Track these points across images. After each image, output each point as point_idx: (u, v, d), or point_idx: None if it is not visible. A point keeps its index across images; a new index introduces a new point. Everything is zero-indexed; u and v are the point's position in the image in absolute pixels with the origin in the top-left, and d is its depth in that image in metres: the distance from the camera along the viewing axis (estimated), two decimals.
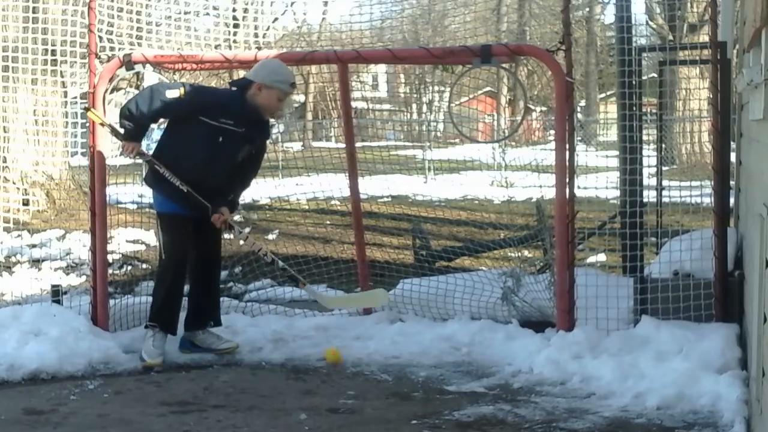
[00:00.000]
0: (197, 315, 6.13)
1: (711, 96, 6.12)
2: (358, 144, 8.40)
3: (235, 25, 7.60)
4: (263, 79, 5.82)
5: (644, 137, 6.93)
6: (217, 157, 5.80)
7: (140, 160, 6.10)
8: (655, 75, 8.17)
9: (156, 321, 5.95)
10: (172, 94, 5.79)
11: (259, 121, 5.94)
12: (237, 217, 5.54)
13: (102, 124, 6.05)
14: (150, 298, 6.92)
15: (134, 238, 10.67)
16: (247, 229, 5.54)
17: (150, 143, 6.79)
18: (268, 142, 6.22)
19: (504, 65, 6.75)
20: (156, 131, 8.92)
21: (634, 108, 6.42)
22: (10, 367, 5.58)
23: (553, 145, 6.26)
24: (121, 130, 5.89)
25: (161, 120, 6.19)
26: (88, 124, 6.35)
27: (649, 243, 7.64)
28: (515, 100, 34.60)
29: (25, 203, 9.34)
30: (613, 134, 19.33)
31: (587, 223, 9.12)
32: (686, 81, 12.38)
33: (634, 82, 6.44)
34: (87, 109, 6.10)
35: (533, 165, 7.65)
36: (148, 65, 6.51)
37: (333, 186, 7.97)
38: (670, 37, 12.54)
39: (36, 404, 5.07)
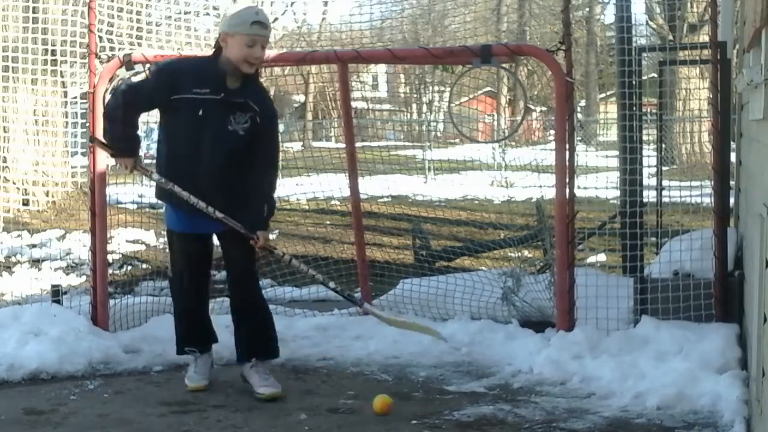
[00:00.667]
0: (237, 346, 5.33)
1: (711, 96, 6.12)
2: (358, 144, 8.40)
3: None
4: (224, 28, 4.99)
5: (644, 137, 6.93)
6: (202, 135, 4.91)
7: (150, 179, 5.23)
8: (655, 75, 8.16)
9: (183, 347, 5.46)
10: (138, 78, 5.49)
11: (246, 83, 4.99)
12: (272, 236, 4.80)
13: (104, 147, 5.37)
14: (150, 298, 6.94)
15: (134, 238, 10.67)
16: (288, 257, 5.30)
17: (150, 143, 6.77)
18: (270, 114, 5.10)
19: (504, 65, 6.75)
20: (156, 130, 8.91)
21: (634, 108, 6.42)
22: (10, 367, 5.58)
23: (553, 145, 6.25)
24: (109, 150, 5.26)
25: (147, 117, 5.89)
26: (88, 124, 6.34)
27: (649, 243, 7.64)
28: (515, 100, 34.61)
29: (25, 203, 9.34)
30: (613, 134, 19.32)
31: (587, 223, 9.12)
32: (686, 81, 12.38)
33: (634, 82, 6.44)
34: (92, 139, 5.62)
35: (533, 165, 7.65)
36: (148, 65, 6.51)
37: (333, 186, 7.97)
38: (670, 37, 12.54)
39: (36, 404, 5.06)
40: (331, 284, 5.35)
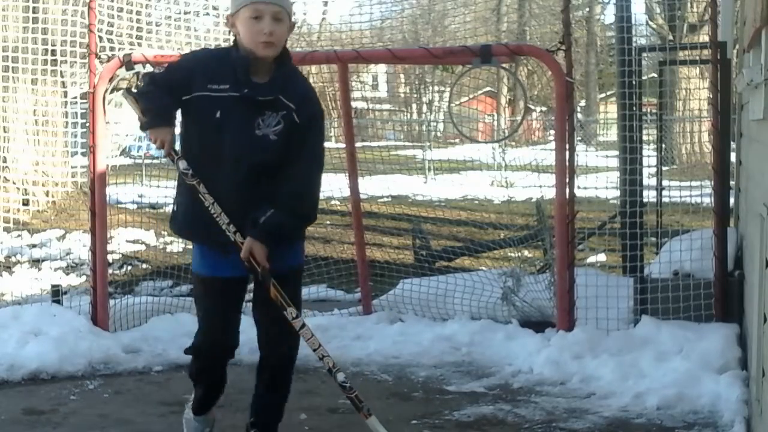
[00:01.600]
0: (251, 412, 4.41)
1: (711, 96, 6.12)
2: (358, 144, 8.40)
3: None
4: (230, 10, 3.95)
5: (644, 137, 6.94)
6: (221, 142, 3.78)
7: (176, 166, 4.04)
8: (655, 75, 8.17)
9: (199, 411, 4.41)
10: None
11: (277, 75, 3.84)
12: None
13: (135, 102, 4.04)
14: (150, 298, 6.93)
15: (134, 238, 10.68)
16: (294, 313, 4.10)
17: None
18: (315, 110, 3.97)
19: (504, 65, 6.75)
20: None
21: (634, 108, 6.43)
22: (10, 367, 5.58)
23: (553, 145, 6.26)
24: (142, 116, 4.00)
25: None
26: (88, 124, 6.34)
27: (649, 243, 7.64)
28: (515, 100, 34.60)
29: (25, 203, 9.34)
30: (613, 134, 19.32)
31: (587, 223, 9.12)
32: (686, 81, 12.37)
33: (634, 82, 6.44)
34: (128, 91, 4.15)
35: (533, 165, 7.65)
36: (148, 65, 6.51)
37: (333, 186, 7.96)
38: (670, 37, 12.53)
39: (36, 404, 5.06)
40: (340, 377, 4.24)
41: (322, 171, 4.08)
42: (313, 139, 3.94)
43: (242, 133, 3.77)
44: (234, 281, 4.08)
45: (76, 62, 7.17)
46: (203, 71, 3.83)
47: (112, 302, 6.51)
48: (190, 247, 4.25)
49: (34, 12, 7.25)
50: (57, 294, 6.54)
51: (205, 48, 4.51)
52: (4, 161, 9.00)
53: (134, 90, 4.09)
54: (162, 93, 3.87)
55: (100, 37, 6.35)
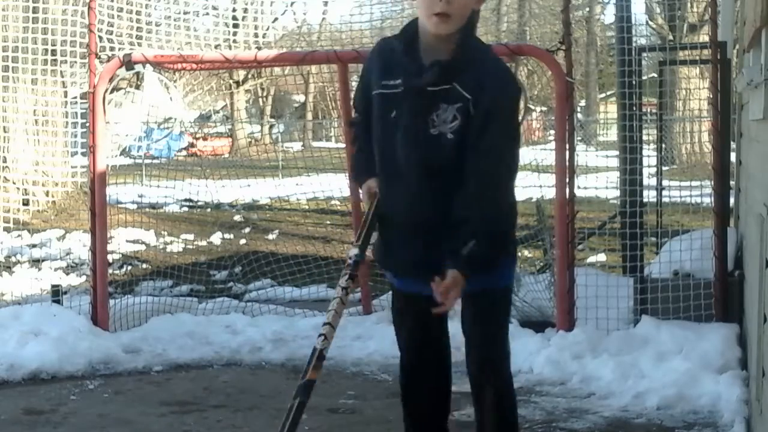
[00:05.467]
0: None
1: (711, 96, 6.12)
2: None
3: (235, 25, 7.60)
4: None
5: (644, 137, 6.94)
6: (395, 146, 3.19)
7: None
8: (655, 75, 8.17)
9: None
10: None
11: (457, 58, 3.11)
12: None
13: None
14: (150, 298, 6.92)
15: (134, 238, 10.68)
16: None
17: (150, 143, 6.75)
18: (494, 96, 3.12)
19: None
20: (156, 131, 8.91)
21: (634, 108, 6.43)
22: (10, 367, 5.58)
23: (553, 145, 6.26)
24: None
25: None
26: (88, 124, 6.35)
27: (649, 243, 7.64)
28: None
29: (25, 203, 9.34)
30: (613, 134, 19.30)
31: (587, 223, 9.12)
32: (686, 81, 12.37)
33: (634, 82, 6.44)
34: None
35: (533, 165, 7.64)
36: (148, 65, 6.51)
37: (333, 186, 7.97)
38: (670, 37, 12.54)
39: (36, 404, 5.06)
40: None
41: (513, 177, 3.33)
42: (490, 139, 3.08)
43: (415, 132, 3.13)
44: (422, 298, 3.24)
45: (76, 62, 7.17)
46: (379, 65, 3.26)
47: (112, 302, 6.51)
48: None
49: (34, 12, 7.25)
50: (57, 294, 6.54)
51: (384, 38, 3.48)
52: (4, 161, 9.00)
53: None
54: (357, 146, 3.43)
55: (100, 37, 6.35)
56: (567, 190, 6.05)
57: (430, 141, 3.10)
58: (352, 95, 3.50)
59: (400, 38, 3.22)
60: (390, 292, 3.53)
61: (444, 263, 3.07)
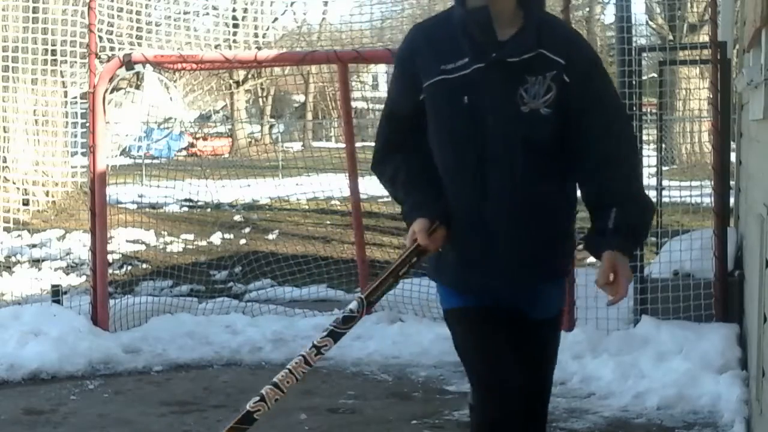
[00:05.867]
0: None
1: (711, 96, 6.12)
2: (358, 144, 8.41)
3: (235, 25, 7.61)
4: None
5: (644, 137, 6.93)
6: (476, 137, 2.68)
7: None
8: (655, 75, 8.17)
9: None
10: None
11: (530, 22, 2.69)
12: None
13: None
14: (150, 298, 6.91)
15: (134, 238, 10.68)
16: None
17: (150, 143, 6.76)
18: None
19: None
20: (156, 131, 8.90)
21: (634, 108, 6.42)
22: (10, 367, 5.58)
23: None
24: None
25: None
26: (88, 124, 6.35)
27: (649, 243, 7.64)
28: None
29: (25, 203, 9.34)
30: None
31: (587, 223, 9.11)
32: (686, 81, 12.38)
33: (634, 82, 6.44)
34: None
35: None
36: (148, 65, 6.51)
37: (333, 186, 7.97)
38: (670, 37, 12.55)
39: (36, 404, 5.06)
40: None
41: (632, 128, 2.94)
42: (603, 95, 2.72)
43: (503, 115, 2.65)
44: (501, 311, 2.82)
45: (76, 62, 7.18)
46: (428, 51, 2.72)
47: (112, 302, 6.51)
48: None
49: (34, 12, 7.25)
50: (57, 294, 6.54)
51: (418, 24, 2.92)
52: (4, 161, 9.00)
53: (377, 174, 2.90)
54: (394, 174, 2.79)
55: (100, 37, 6.36)
56: None
57: (524, 121, 2.65)
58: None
59: (446, 15, 2.77)
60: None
61: (594, 247, 2.78)
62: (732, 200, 7.15)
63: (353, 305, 2.74)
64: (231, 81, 30.46)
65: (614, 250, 2.73)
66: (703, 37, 10.42)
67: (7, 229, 8.04)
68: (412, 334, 6.49)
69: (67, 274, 9.23)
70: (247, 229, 12.16)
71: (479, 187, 2.68)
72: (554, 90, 2.65)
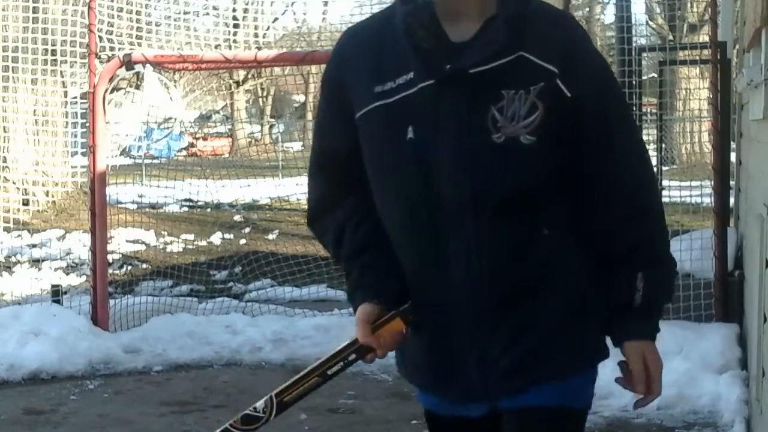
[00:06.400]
0: None
1: (711, 96, 6.12)
2: None
3: (235, 25, 7.61)
4: None
5: (644, 137, 6.93)
6: (429, 177, 1.83)
7: None
8: (655, 75, 8.18)
9: None
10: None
11: (504, 17, 1.80)
12: None
13: None
14: (150, 298, 6.90)
15: (134, 238, 10.67)
16: None
17: (150, 143, 6.76)
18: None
19: None
20: (156, 131, 8.90)
21: (634, 108, 6.43)
22: (10, 367, 5.58)
23: None
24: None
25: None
26: (88, 124, 6.35)
27: None
28: None
29: (25, 203, 9.34)
30: None
31: None
32: (686, 81, 12.39)
33: (634, 82, 6.45)
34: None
35: None
36: (148, 65, 6.51)
37: None
38: (670, 37, 12.55)
39: (36, 404, 5.07)
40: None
41: (651, 163, 2.02)
42: (619, 124, 1.90)
43: (466, 149, 1.82)
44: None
45: (76, 62, 7.19)
46: (360, 66, 1.93)
47: (112, 302, 6.51)
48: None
49: (34, 12, 7.26)
50: (57, 294, 6.55)
51: (349, 27, 2.11)
52: (4, 161, 9.01)
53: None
54: (333, 235, 1.99)
55: (100, 37, 6.36)
56: None
57: (497, 155, 1.81)
58: (311, 141, 2.13)
59: (385, 16, 1.95)
60: None
61: (615, 333, 1.91)
62: (732, 200, 7.15)
63: (259, 403, 2.12)
64: (231, 81, 30.46)
65: (645, 340, 1.90)
66: (703, 37, 10.43)
67: (7, 229, 8.05)
68: None
69: (67, 274, 9.23)
70: (247, 229, 12.15)
71: (431, 257, 1.87)
72: (541, 109, 1.80)
